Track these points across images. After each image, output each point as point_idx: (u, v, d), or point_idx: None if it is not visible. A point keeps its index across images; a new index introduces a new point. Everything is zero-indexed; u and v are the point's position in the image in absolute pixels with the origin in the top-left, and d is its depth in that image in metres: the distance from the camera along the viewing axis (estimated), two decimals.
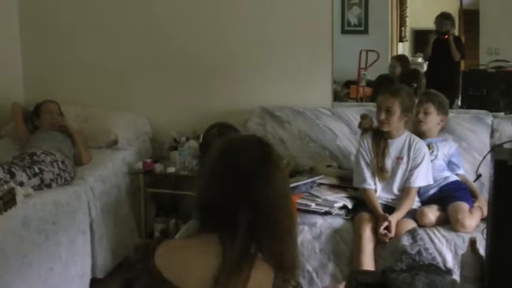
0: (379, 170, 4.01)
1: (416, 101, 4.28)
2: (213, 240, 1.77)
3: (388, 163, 4.01)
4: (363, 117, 4.19)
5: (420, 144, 4.01)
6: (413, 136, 4.05)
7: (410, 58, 5.71)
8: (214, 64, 5.25)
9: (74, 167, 4.62)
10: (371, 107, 4.61)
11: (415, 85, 5.00)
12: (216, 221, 1.82)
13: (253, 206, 1.79)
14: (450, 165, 4.20)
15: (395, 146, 4.02)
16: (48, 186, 4.25)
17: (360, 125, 4.19)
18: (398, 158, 4.00)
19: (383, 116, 3.97)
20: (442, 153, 4.17)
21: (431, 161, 4.07)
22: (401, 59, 5.51)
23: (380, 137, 4.05)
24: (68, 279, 4.12)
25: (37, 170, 4.22)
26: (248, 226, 1.77)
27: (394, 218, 3.77)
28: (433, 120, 4.26)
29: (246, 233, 1.76)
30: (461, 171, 4.19)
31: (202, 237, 1.81)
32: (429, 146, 4.12)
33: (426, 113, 4.25)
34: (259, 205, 1.80)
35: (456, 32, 5.32)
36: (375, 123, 4.11)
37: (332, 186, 4.29)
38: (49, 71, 5.62)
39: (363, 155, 4.06)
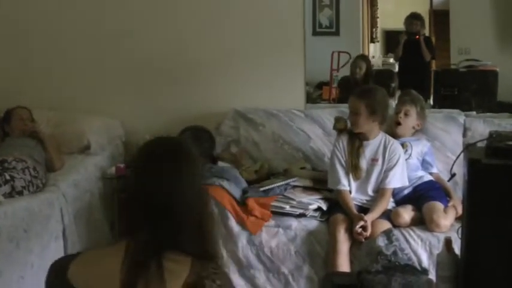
0: (353, 168, 4.01)
1: (395, 101, 4.30)
2: (123, 245, 1.76)
3: (363, 164, 4.02)
4: (337, 119, 4.18)
5: (395, 146, 4.02)
6: (389, 137, 4.06)
7: (381, 59, 5.74)
8: (188, 67, 5.22)
9: (46, 173, 4.56)
10: (344, 108, 4.62)
11: (393, 85, 5.02)
12: (127, 224, 1.82)
13: (159, 202, 1.78)
14: (424, 164, 4.21)
15: (370, 148, 4.02)
16: (20, 193, 4.18)
17: (335, 127, 4.18)
18: (374, 160, 4.00)
19: (351, 118, 4.00)
20: (416, 152, 4.19)
21: (406, 160, 4.08)
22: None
23: (355, 138, 4.05)
24: (40, 287, 4.06)
25: (8, 177, 4.15)
26: (152, 224, 1.76)
27: (369, 218, 3.77)
28: (411, 122, 4.28)
29: (148, 232, 1.75)
30: (434, 170, 4.22)
31: (117, 244, 1.79)
32: (403, 145, 4.13)
33: (407, 115, 4.26)
34: (167, 200, 1.78)
35: (427, 32, 5.36)
36: (349, 125, 4.11)
37: (306, 188, 4.28)
38: (19, 76, 5.54)
39: (338, 156, 4.05)
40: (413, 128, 4.31)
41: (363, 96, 3.96)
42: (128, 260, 1.71)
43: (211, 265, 1.81)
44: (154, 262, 1.71)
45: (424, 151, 4.23)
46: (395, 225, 3.81)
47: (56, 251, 4.23)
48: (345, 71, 5.40)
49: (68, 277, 1.75)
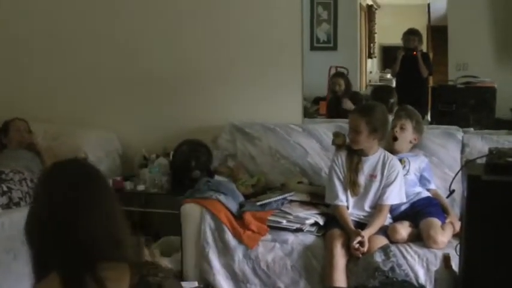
0: (351, 184, 3.99)
1: (392, 116, 4.29)
2: (53, 278, 1.75)
3: (362, 179, 4.00)
4: (336, 134, 4.17)
5: (394, 162, 4.01)
6: (388, 154, 4.04)
7: (379, 74, 5.74)
8: (185, 81, 5.22)
9: None
10: (341, 123, 4.62)
11: (392, 100, 5.01)
12: (49, 254, 1.81)
13: (76, 222, 1.79)
14: (422, 180, 4.20)
15: (369, 164, 4.01)
16: (17, 204, 4.17)
17: (333, 142, 4.17)
18: (372, 176, 3.99)
19: (351, 135, 3.98)
20: (414, 168, 4.17)
21: (404, 175, 4.06)
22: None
23: (354, 154, 4.03)
24: None
25: (5, 189, 4.15)
26: (71, 250, 1.77)
27: (366, 234, 3.76)
28: (408, 136, 4.26)
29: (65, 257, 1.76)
30: (432, 186, 4.20)
31: (49, 276, 1.77)
32: (401, 161, 4.11)
33: (402, 129, 4.25)
34: (83, 220, 1.79)
35: (424, 48, 5.36)
36: (348, 140, 4.10)
37: (303, 203, 4.27)
38: (17, 88, 5.54)
39: (336, 171, 4.04)
40: (410, 142, 4.30)
41: (364, 114, 3.94)
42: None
43: (149, 264, 1.83)
44: (89, 278, 1.72)
45: (422, 167, 4.22)
46: (393, 241, 3.79)
47: None
48: None
49: None
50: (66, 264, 1.74)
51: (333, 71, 5.40)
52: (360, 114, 3.95)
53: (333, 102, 5.42)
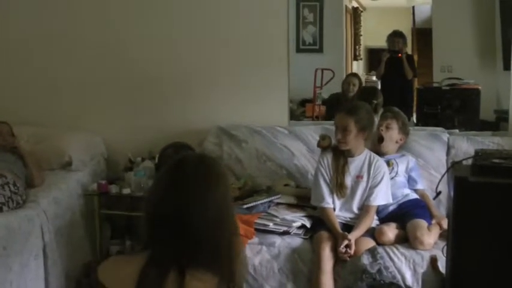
0: (338, 186, 3.99)
1: (377, 118, 4.30)
2: (140, 257, 1.81)
3: (348, 181, 4.00)
4: (322, 137, 4.17)
5: (380, 163, 4.02)
6: (373, 154, 4.05)
7: (364, 76, 5.75)
8: (170, 83, 5.21)
9: (27, 189, 4.50)
10: (327, 125, 4.62)
11: (376, 102, 5.02)
12: (151, 236, 1.85)
13: (186, 218, 1.81)
14: (409, 180, 4.21)
15: (355, 165, 4.01)
16: None
17: (319, 144, 4.17)
18: (358, 177, 3.99)
19: (339, 136, 3.97)
20: (402, 169, 4.19)
21: (393, 177, 4.08)
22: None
23: (340, 156, 4.03)
24: None
25: None
26: (172, 242, 1.80)
27: (353, 236, 3.75)
28: (393, 136, 4.29)
29: (166, 246, 1.80)
30: (419, 186, 4.22)
31: (142, 253, 1.83)
32: (388, 163, 4.12)
33: (388, 128, 4.27)
34: (193, 218, 1.81)
35: (409, 50, 5.37)
36: (334, 142, 4.10)
37: (290, 206, 4.26)
38: (0, 91, 5.49)
39: (322, 173, 4.04)
40: (396, 142, 4.32)
41: (352, 113, 3.95)
42: (144, 271, 1.76)
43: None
44: (173, 277, 1.75)
45: (410, 166, 4.24)
46: (380, 243, 3.79)
47: (36, 269, 4.18)
48: (329, 89, 5.39)
49: (99, 276, 1.83)
50: (161, 251, 1.79)
51: (318, 73, 5.39)
52: (348, 114, 3.96)
53: (336, 101, 5.38)
